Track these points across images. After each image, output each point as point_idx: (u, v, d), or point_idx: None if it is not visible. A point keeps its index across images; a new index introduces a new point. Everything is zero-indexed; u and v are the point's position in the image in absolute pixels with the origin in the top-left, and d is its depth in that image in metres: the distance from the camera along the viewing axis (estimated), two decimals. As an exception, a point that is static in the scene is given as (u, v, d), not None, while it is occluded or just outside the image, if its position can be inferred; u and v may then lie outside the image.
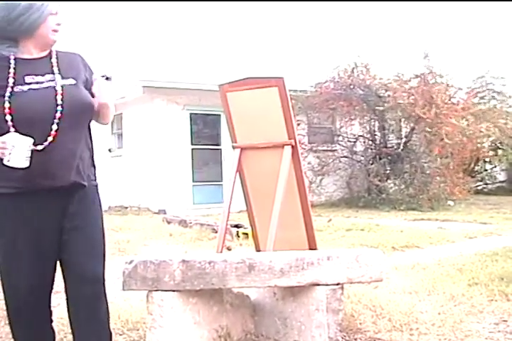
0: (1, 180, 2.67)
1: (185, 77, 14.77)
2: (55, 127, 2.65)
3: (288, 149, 4.43)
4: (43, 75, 2.74)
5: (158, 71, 15.15)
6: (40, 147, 2.62)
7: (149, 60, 16.20)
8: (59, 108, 2.67)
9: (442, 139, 14.07)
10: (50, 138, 2.64)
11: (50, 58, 2.84)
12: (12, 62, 2.71)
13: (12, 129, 2.59)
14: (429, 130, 14.36)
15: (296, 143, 4.47)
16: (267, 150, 4.55)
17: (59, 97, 2.69)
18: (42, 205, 2.72)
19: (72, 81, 2.78)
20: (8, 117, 2.60)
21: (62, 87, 2.73)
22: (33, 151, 2.58)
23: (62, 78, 2.77)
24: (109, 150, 16.74)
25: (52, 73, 2.77)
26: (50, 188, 2.70)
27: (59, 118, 2.66)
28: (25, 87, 2.67)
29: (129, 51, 17.20)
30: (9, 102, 2.61)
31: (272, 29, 30.10)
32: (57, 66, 2.81)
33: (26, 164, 2.57)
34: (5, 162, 2.56)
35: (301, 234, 4.65)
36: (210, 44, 19.36)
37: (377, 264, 3.21)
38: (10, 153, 2.55)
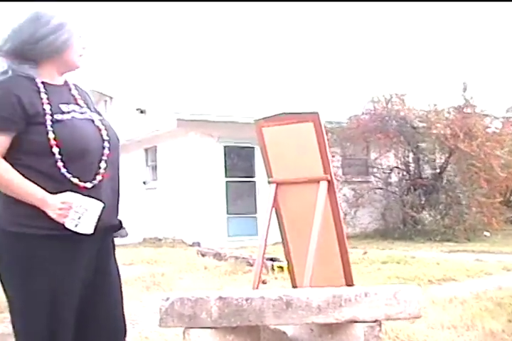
0: (38, 218, 2.27)
1: (219, 110, 14.93)
2: (103, 165, 2.39)
3: (324, 184, 4.42)
4: (73, 105, 2.45)
5: (192, 104, 15.31)
6: (89, 185, 2.34)
7: (183, 93, 16.39)
8: (106, 144, 2.41)
9: (485, 172, 13.89)
10: (99, 177, 2.37)
11: (68, 87, 2.53)
12: (41, 85, 2.37)
13: (60, 164, 2.27)
14: (474, 162, 14.13)
15: (331, 177, 4.47)
16: (302, 185, 4.55)
17: (104, 132, 2.43)
18: (79, 247, 2.36)
19: (99, 116, 2.53)
20: (56, 150, 2.26)
21: (101, 121, 2.48)
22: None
23: (91, 111, 2.51)
24: (144, 182, 16.89)
25: (77, 104, 2.47)
26: (97, 230, 2.33)
27: (107, 156, 2.41)
28: (67, 116, 2.36)
29: (163, 84, 17.42)
30: (53, 132, 2.27)
31: (307, 61, 30.31)
32: (81, 98, 2.53)
33: (92, 230, 2.30)
34: (70, 226, 2.25)
35: (338, 269, 4.62)
36: (244, 77, 19.54)
37: (416, 301, 3.17)
38: (79, 218, 2.24)
